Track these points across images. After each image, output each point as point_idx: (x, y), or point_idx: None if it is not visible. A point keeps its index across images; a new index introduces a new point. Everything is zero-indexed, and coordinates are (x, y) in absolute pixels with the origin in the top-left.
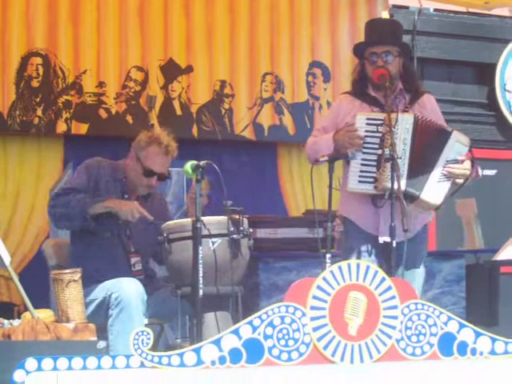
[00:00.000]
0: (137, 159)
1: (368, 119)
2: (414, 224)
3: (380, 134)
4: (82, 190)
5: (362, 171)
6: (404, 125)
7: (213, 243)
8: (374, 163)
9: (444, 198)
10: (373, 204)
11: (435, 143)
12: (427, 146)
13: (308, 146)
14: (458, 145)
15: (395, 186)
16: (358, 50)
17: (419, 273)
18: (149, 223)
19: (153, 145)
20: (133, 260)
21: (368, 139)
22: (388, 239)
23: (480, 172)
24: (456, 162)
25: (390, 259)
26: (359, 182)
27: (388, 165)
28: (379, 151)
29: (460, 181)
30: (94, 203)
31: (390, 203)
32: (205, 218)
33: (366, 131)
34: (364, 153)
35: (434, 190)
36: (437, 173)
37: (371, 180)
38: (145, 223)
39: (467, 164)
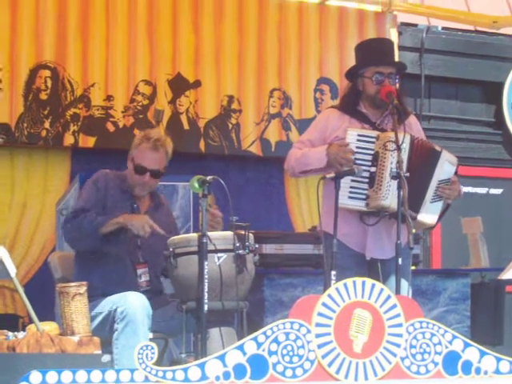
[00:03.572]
0: (131, 159)
1: (359, 135)
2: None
3: (372, 152)
4: (92, 208)
5: (352, 187)
6: (401, 144)
7: (218, 258)
8: (366, 180)
9: (438, 218)
10: (361, 221)
11: (427, 163)
12: (420, 166)
13: (293, 157)
14: (447, 164)
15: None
16: (360, 68)
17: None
18: (160, 236)
19: (143, 142)
20: (139, 271)
21: (358, 155)
22: (376, 256)
23: (462, 191)
24: (447, 181)
25: (379, 275)
26: (349, 197)
27: (385, 183)
28: (372, 168)
29: (450, 201)
30: (105, 221)
31: (382, 221)
32: (210, 233)
33: (357, 147)
34: None
35: (429, 210)
36: (430, 193)
37: (363, 197)
38: (156, 235)
39: (458, 184)
